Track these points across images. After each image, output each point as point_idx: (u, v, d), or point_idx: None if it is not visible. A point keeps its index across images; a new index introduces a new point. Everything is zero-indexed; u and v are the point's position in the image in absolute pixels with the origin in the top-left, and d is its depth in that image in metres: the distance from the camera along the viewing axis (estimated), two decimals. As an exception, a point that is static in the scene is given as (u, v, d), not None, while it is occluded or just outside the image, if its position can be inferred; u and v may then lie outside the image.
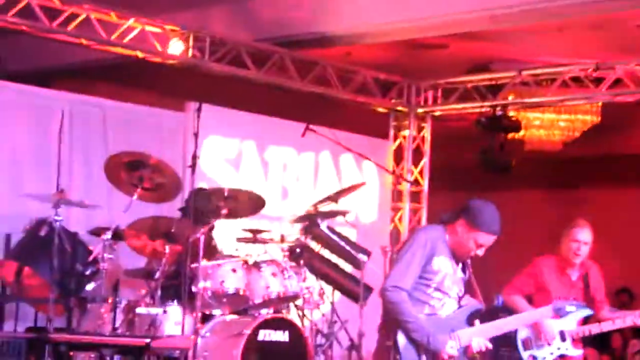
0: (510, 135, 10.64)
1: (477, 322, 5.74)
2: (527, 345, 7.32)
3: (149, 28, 9.34)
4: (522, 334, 7.35)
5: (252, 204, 7.71)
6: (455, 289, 5.74)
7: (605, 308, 7.39)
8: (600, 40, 9.87)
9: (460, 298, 5.76)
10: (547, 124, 11.45)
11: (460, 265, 5.76)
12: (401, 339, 5.60)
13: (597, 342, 10.99)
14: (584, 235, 7.21)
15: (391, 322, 5.66)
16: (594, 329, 7.27)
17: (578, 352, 7.29)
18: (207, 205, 7.56)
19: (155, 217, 7.68)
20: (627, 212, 13.74)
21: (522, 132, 11.09)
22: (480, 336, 5.68)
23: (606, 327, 7.27)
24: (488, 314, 9.64)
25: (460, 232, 5.65)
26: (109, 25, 9.17)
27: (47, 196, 7.47)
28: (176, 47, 9.50)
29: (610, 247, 12.41)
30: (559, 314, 6.18)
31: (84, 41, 9.14)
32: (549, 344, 7.25)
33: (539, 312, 6.23)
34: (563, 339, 7.25)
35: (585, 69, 9.95)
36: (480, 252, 5.67)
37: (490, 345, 5.72)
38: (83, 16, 8.95)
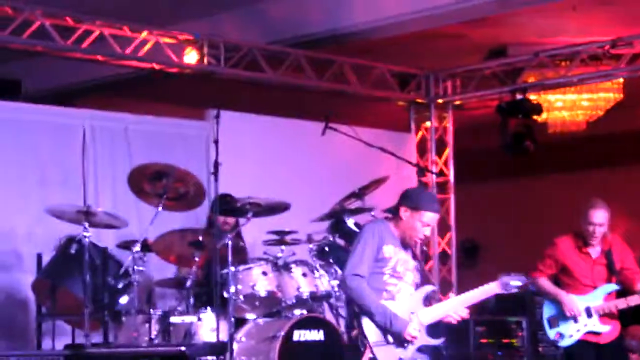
0: (532, 119, 10.58)
1: (451, 294, 6.35)
2: (553, 323, 7.33)
3: (163, 39, 9.39)
4: (548, 313, 7.35)
5: (276, 209, 7.74)
6: (409, 275, 6.08)
7: None
8: (615, 16, 9.81)
9: (417, 285, 6.09)
10: (569, 105, 11.38)
11: (411, 254, 6.09)
12: (366, 323, 5.92)
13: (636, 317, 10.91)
14: (598, 217, 7.18)
15: (355, 309, 6.01)
16: (620, 304, 7.24)
17: (606, 327, 7.26)
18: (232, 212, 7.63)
19: (182, 230, 7.74)
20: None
21: (544, 115, 11.02)
22: (441, 314, 6.00)
23: (633, 301, 7.23)
24: (520, 298, 9.66)
25: (405, 218, 6.02)
26: (123, 39, 9.24)
27: (74, 214, 7.53)
28: (191, 56, 9.55)
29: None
30: (505, 289, 6.17)
31: (99, 57, 9.22)
32: (575, 321, 7.23)
33: (486, 288, 6.22)
34: (589, 315, 7.23)
35: (603, 46, 9.90)
36: (427, 231, 6.05)
37: (466, 315, 6.06)
38: (97, 33, 9.02)
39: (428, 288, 6.09)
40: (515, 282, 6.14)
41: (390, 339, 5.91)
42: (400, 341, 5.91)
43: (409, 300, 6.02)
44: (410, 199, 6.03)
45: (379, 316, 5.88)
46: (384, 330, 5.90)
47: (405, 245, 6.08)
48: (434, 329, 6.02)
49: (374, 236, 6.00)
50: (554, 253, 7.37)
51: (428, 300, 6.06)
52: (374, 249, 5.97)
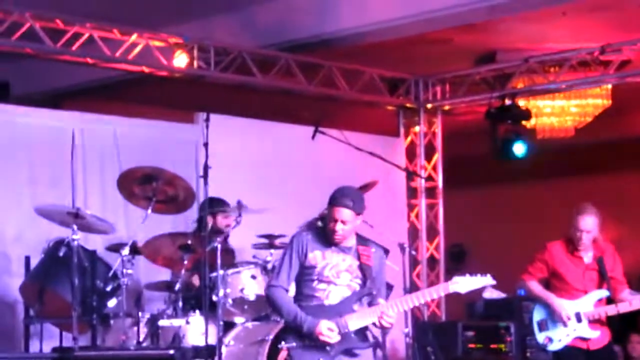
0: (521, 124, 10.60)
1: (381, 300, 6.05)
2: (542, 327, 7.34)
3: (152, 42, 9.38)
4: (538, 316, 7.37)
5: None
6: (346, 275, 6.04)
7: (625, 290, 7.36)
8: (605, 22, 9.84)
9: (362, 284, 6.03)
10: (558, 111, 11.40)
11: (355, 253, 6.06)
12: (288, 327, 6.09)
13: (625, 325, 10.94)
14: (585, 224, 7.19)
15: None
16: (610, 310, 7.26)
17: (595, 333, 7.27)
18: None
19: (171, 234, 7.74)
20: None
21: (533, 121, 11.04)
22: (368, 319, 5.97)
23: (623, 308, 7.24)
24: (509, 303, 9.68)
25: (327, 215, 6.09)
26: (113, 42, 9.22)
27: (63, 216, 7.52)
28: (181, 60, 9.54)
29: (630, 231, 12.42)
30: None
31: (89, 60, 9.21)
32: (564, 325, 7.24)
33: (436, 288, 6.23)
34: (579, 320, 7.24)
35: (592, 52, 9.94)
36: (337, 227, 5.96)
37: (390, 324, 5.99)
38: (86, 35, 9.01)
39: (361, 291, 6.03)
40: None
41: (307, 341, 5.94)
42: (319, 343, 5.92)
43: (339, 303, 6.00)
44: (330, 197, 6.08)
45: (294, 321, 5.95)
46: (300, 333, 5.94)
47: (341, 247, 6.05)
48: (362, 333, 6.00)
49: (293, 248, 6.06)
50: (544, 257, 7.39)
51: (362, 304, 6.04)
52: (295, 259, 6.03)
